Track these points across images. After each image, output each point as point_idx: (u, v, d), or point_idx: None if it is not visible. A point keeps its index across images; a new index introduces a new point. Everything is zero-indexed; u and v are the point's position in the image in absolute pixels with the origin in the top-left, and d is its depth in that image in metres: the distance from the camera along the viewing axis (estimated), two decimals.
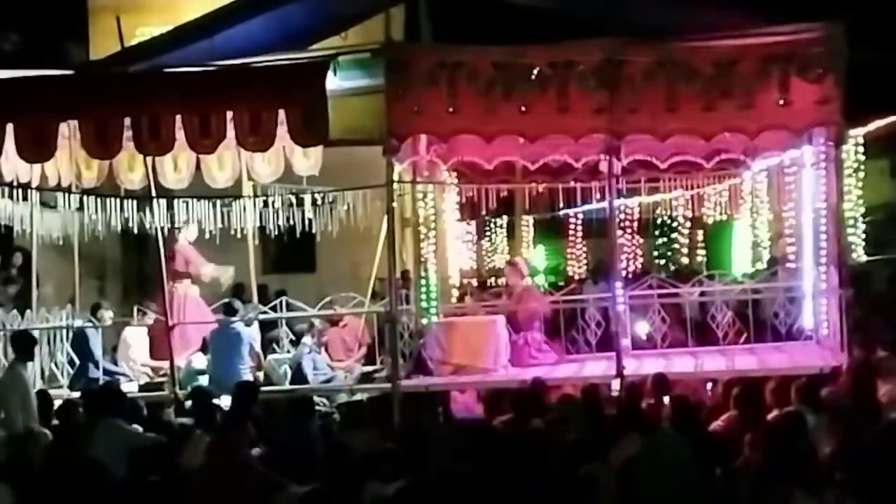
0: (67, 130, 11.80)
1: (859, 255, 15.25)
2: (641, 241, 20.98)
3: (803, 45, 10.83)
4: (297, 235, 14.47)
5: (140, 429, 9.26)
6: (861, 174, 15.10)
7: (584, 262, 21.54)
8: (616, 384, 10.96)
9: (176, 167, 13.00)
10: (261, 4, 13.93)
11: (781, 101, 10.84)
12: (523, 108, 11.09)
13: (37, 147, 11.42)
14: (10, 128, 11.25)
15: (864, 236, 15.45)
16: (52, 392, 11.07)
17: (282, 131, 11.25)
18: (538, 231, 21.16)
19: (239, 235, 13.74)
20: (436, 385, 11.88)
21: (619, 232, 18.35)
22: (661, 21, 12.67)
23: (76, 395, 11.20)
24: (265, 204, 13.82)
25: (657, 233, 21.90)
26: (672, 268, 20.33)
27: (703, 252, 20.55)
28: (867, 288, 14.60)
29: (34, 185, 12.48)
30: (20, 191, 12.48)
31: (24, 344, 10.59)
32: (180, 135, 11.30)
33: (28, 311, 12.64)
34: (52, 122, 11.39)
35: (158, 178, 12.52)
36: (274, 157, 12.68)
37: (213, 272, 13.65)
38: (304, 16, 14.25)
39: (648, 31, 11.71)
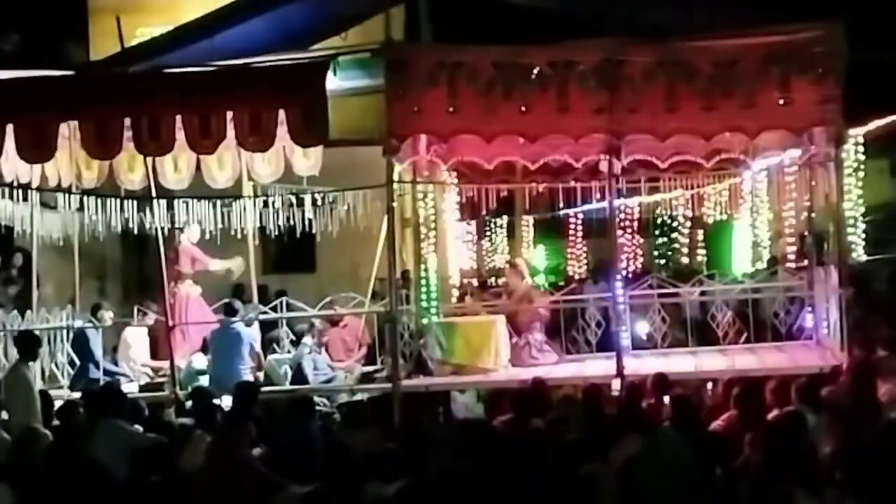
0: (67, 131, 11.81)
1: (859, 254, 15.25)
2: (641, 240, 20.97)
3: (804, 45, 10.82)
4: (298, 236, 14.46)
5: (141, 429, 9.26)
6: (861, 174, 15.09)
7: (585, 261, 21.52)
8: (616, 384, 10.96)
9: (176, 167, 13.01)
10: (261, 5, 13.94)
11: (782, 101, 10.84)
12: (523, 108, 11.09)
13: (37, 147, 11.42)
14: (10, 128, 11.26)
15: (863, 236, 15.45)
16: (52, 392, 11.07)
17: (282, 131, 11.25)
18: (538, 231, 21.14)
19: (239, 236, 13.74)
20: (436, 385, 11.89)
21: (619, 232, 18.35)
22: (661, 20, 12.68)
23: (77, 395, 11.21)
24: (265, 204, 13.81)
25: (657, 233, 21.90)
26: (671, 266, 20.35)
27: (704, 252, 20.55)
28: (867, 287, 14.61)
29: (34, 185, 12.48)
30: (20, 191, 12.48)
31: (27, 344, 10.60)
32: (180, 135, 11.31)
33: (28, 312, 12.64)
34: (52, 122, 11.40)
35: (158, 179, 12.52)
36: (274, 157, 12.68)
37: (222, 265, 13.70)
38: (305, 16, 14.26)
39: (648, 31, 11.71)
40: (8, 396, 10.08)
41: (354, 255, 15.43)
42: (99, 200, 13.04)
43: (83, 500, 7.63)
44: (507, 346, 12.53)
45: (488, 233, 22.53)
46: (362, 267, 14.30)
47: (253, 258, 14.21)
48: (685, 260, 20.49)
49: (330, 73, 11.29)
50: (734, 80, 10.81)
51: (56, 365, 12.55)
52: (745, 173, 15.38)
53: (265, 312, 13.18)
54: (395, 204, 11.75)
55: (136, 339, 13.29)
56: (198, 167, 12.94)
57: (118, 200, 13.03)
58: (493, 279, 20.42)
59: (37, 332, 11.54)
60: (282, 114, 11.14)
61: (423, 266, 13.27)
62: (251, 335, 12.40)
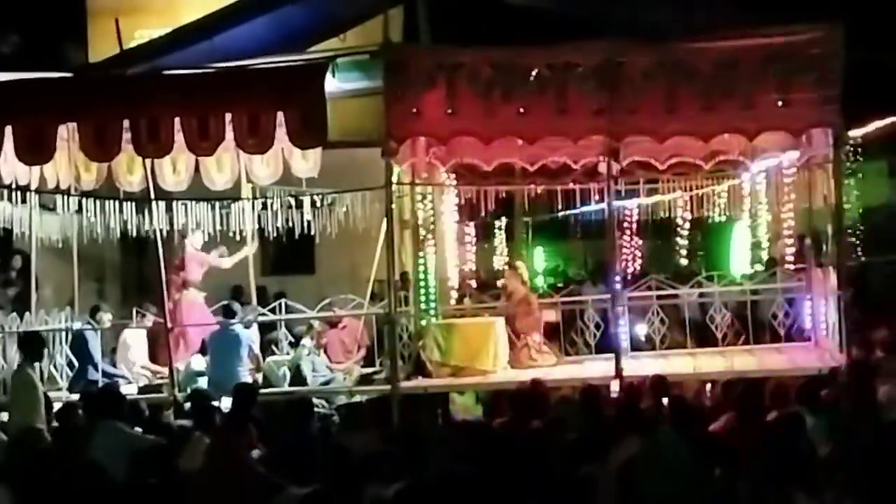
0: (66, 133, 11.81)
1: (858, 255, 15.25)
2: (640, 242, 20.96)
3: (803, 47, 10.84)
4: (297, 237, 14.46)
5: (140, 431, 9.25)
6: (859, 175, 15.10)
7: (584, 263, 21.52)
8: (615, 385, 10.97)
9: (175, 169, 13.00)
10: (259, 7, 13.96)
11: (781, 102, 10.85)
12: (522, 110, 11.11)
13: (36, 149, 11.42)
14: (9, 130, 11.27)
15: (863, 237, 15.44)
16: (51, 394, 11.05)
17: (281, 133, 11.25)
18: (537, 232, 21.14)
19: (238, 237, 13.74)
20: (435, 387, 11.89)
21: (618, 233, 18.34)
22: (660, 21, 12.69)
23: (75, 397, 11.20)
24: (264, 206, 13.81)
25: (656, 234, 21.87)
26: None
27: (702, 253, 20.54)
28: (866, 289, 14.61)
29: (33, 187, 12.47)
30: (19, 193, 12.47)
31: (32, 345, 10.61)
32: (179, 137, 11.31)
33: (27, 314, 12.65)
34: (51, 124, 11.39)
35: (157, 181, 12.51)
36: (273, 159, 12.68)
37: (231, 261, 13.79)
38: (303, 18, 14.27)
39: (647, 32, 11.73)
40: (13, 397, 10.09)
41: (353, 257, 15.43)
42: (98, 202, 13.02)
43: (82, 501, 7.61)
44: (505, 347, 12.53)
45: (487, 234, 22.51)
46: (361, 268, 14.30)
47: (252, 260, 14.23)
48: (684, 261, 20.48)
49: (329, 75, 11.30)
50: (733, 82, 10.83)
51: (55, 367, 12.53)
52: (744, 175, 15.38)
53: (264, 314, 13.17)
54: (393, 206, 11.76)
55: (135, 340, 13.28)
56: (196, 169, 12.94)
57: (117, 202, 13.02)
58: (491, 280, 20.42)
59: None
60: (280, 115, 11.14)
61: (421, 268, 13.26)
62: (250, 337, 12.40)
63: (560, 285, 17.80)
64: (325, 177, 12.78)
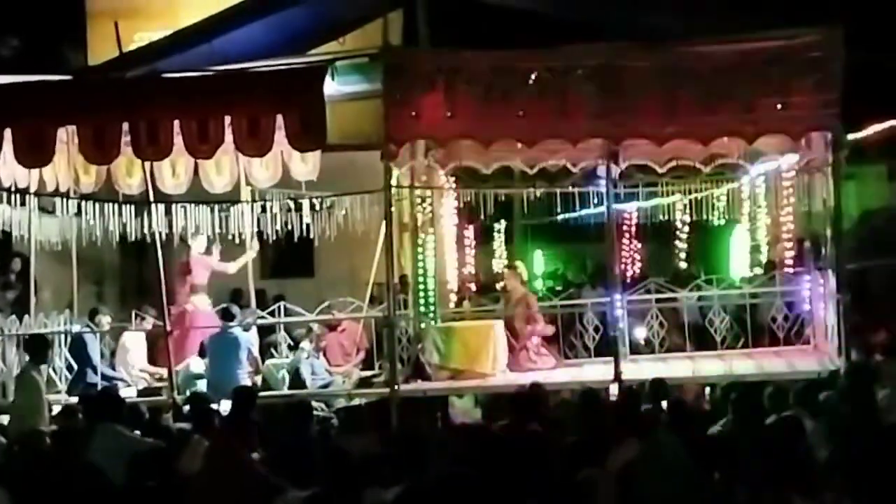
0: (66, 135, 11.80)
1: (857, 259, 15.24)
2: (639, 245, 20.97)
3: (802, 50, 10.84)
4: (296, 240, 14.45)
5: (139, 434, 9.25)
6: (859, 178, 15.10)
7: (583, 266, 21.52)
8: (614, 388, 10.97)
9: (174, 172, 13.01)
10: (259, 9, 13.97)
11: (780, 106, 10.84)
12: (521, 113, 11.11)
13: (35, 152, 11.41)
14: (8, 133, 11.26)
15: (862, 240, 15.43)
16: (50, 397, 11.06)
17: (280, 136, 11.25)
18: (536, 236, 21.14)
19: (237, 240, 13.74)
20: (434, 390, 11.89)
21: (617, 236, 18.33)
22: (659, 24, 12.70)
23: (74, 400, 11.19)
24: (263, 209, 13.80)
25: (655, 237, 21.88)
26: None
27: (702, 256, 20.54)
28: (865, 292, 14.60)
29: (32, 190, 12.46)
30: (18, 196, 12.46)
31: (37, 347, 10.60)
32: (178, 140, 11.31)
33: (26, 317, 12.63)
34: (50, 127, 11.39)
35: (157, 183, 12.51)
36: (272, 161, 12.68)
37: (237, 265, 13.82)
38: (303, 21, 14.29)
39: (647, 35, 11.74)
40: (17, 399, 10.08)
41: (352, 260, 15.43)
42: (97, 205, 13.01)
43: None
44: (504, 350, 12.52)
45: (486, 237, 22.52)
46: (360, 271, 14.30)
47: (251, 263, 14.22)
48: (683, 265, 20.49)
49: (328, 78, 11.30)
50: (732, 85, 10.83)
51: (54, 370, 12.52)
52: (744, 178, 15.38)
53: (263, 317, 13.17)
54: (393, 209, 11.76)
55: (134, 343, 13.27)
56: (196, 172, 12.95)
57: (116, 205, 13.01)
58: (491, 283, 20.43)
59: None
60: (280, 118, 11.14)
61: (421, 271, 13.26)
62: (249, 340, 12.40)
63: (559, 288, 17.82)
64: (324, 180, 12.79)
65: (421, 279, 13.19)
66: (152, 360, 13.28)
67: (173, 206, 13.09)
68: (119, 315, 14.27)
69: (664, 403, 9.23)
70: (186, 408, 10.92)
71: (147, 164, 11.80)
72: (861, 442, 7.55)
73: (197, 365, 12.49)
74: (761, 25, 11.46)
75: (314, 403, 11.33)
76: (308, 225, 14.16)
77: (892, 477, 6.72)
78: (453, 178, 14.29)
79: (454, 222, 15.25)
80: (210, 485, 7.71)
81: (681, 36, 11.56)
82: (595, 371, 12.10)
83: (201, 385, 11.99)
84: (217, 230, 13.43)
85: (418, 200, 13.43)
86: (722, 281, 13.96)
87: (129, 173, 12.80)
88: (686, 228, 19.66)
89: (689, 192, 16.06)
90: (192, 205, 13.23)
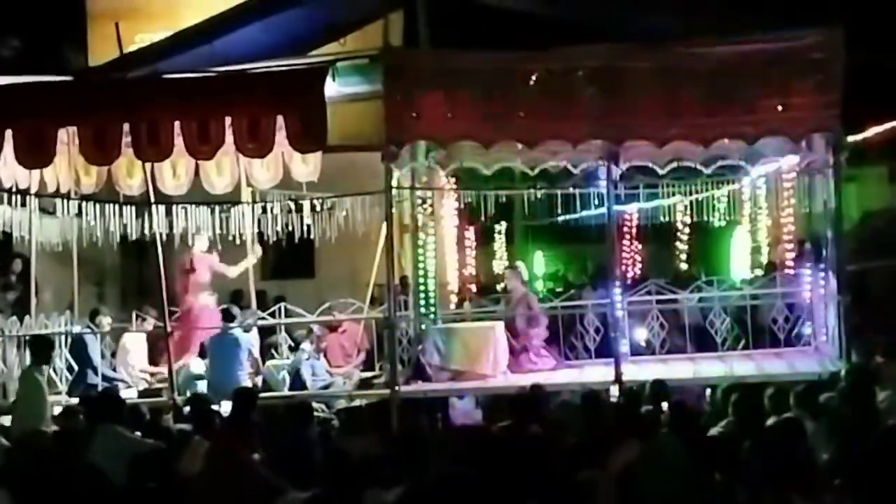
0: (66, 136, 11.83)
1: (858, 260, 15.23)
2: (640, 247, 20.97)
3: (803, 51, 10.84)
4: (296, 241, 14.45)
5: (139, 435, 9.25)
6: (859, 180, 15.10)
7: (584, 268, 21.50)
8: (615, 390, 10.96)
9: (175, 173, 13.02)
10: (260, 11, 13.96)
11: (781, 107, 10.84)
12: (522, 114, 11.11)
13: (36, 153, 11.42)
14: (9, 134, 11.28)
15: (862, 242, 15.42)
16: (50, 398, 11.06)
17: (280, 137, 11.26)
18: (537, 237, 21.13)
19: (238, 241, 13.73)
20: (434, 391, 11.89)
21: (618, 238, 18.33)
22: (659, 25, 12.69)
23: (75, 401, 11.19)
24: (264, 210, 13.81)
25: (656, 238, 21.88)
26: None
27: (702, 258, 20.54)
28: (866, 293, 14.59)
29: (33, 191, 12.48)
30: (19, 197, 12.47)
31: (41, 348, 10.60)
32: (179, 141, 11.32)
33: (27, 318, 12.64)
34: (50, 128, 11.40)
35: (157, 184, 12.53)
36: (273, 163, 12.70)
37: (238, 270, 13.84)
38: (303, 22, 14.27)
39: (647, 36, 11.73)
40: (19, 400, 10.08)
41: (353, 261, 15.43)
42: (97, 206, 13.02)
43: None
44: (505, 351, 12.52)
45: (487, 238, 22.51)
46: (361, 273, 14.30)
47: (251, 264, 14.23)
48: (684, 266, 20.49)
49: (329, 79, 11.30)
50: (733, 86, 10.83)
51: (54, 370, 12.52)
52: (744, 179, 15.38)
53: (264, 318, 13.18)
54: (393, 210, 11.77)
55: (135, 344, 13.27)
56: (196, 173, 12.96)
57: (117, 206, 13.01)
58: (491, 284, 20.42)
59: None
60: (280, 120, 11.14)
61: (421, 272, 13.26)
62: (249, 341, 12.41)
63: (560, 290, 17.82)
64: (324, 181, 12.80)
65: (421, 280, 13.20)
66: (153, 360, 13.29)
67: (174, 207, 13.09)
68: (120, 316, 14.28)
69: (665, 405, 9.24)
70: (187, 409, 10.93)
71: (148, 164, 11.81)
72: (861, 443, 7.54)
73: (197, 366, 12.50)
74: (761, 26, 11.46)
75: (315, 404, 11.33)
76: (309, 226, 14.15)
77: (892, 479, 6.71)
78: (454, 179, 14.30)
79: (455, 223, 15.27)
80: (210, 486, 7.71)
81: (681, 37, 11.54)
82: (596, 372, 12.10)
83: (202, 386, 12.00)
84: (217, 231, 13.42)
85: (419, 201, 13.44)
86: (722, 282, 13.97)
87: (130, 174, 12.82)
88: (687, 230, 19.68)
89: (690, 194, 16.06)
90: (193, 206, 13.22)
